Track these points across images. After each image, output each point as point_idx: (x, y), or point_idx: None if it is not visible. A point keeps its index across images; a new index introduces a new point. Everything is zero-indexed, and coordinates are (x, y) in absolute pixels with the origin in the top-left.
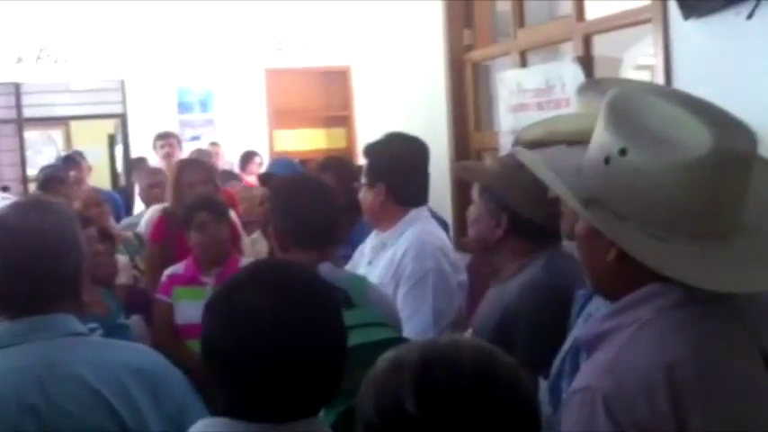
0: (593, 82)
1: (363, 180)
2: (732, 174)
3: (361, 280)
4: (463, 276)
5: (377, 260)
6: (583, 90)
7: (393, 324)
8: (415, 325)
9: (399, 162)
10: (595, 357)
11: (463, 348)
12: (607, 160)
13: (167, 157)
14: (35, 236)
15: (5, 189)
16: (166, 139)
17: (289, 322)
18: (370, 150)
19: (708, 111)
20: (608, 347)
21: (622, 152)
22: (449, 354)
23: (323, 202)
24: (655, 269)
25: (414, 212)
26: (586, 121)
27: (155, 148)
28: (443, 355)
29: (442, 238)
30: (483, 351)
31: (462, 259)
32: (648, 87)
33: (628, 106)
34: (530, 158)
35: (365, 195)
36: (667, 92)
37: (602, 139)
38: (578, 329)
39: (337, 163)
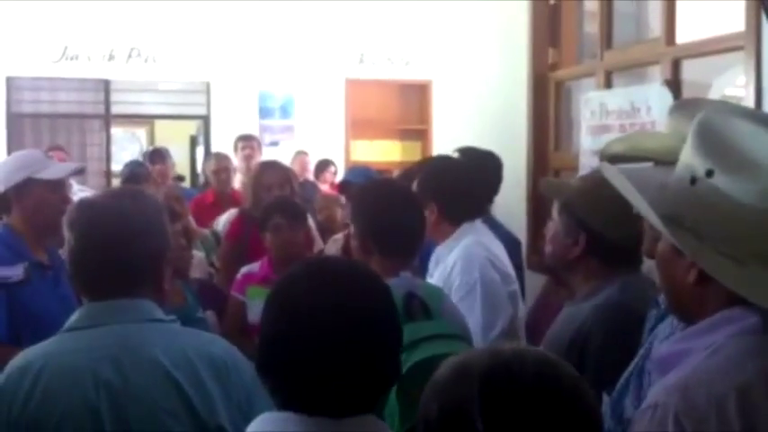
0: (685, 102)
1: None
2: None
3: (438, 290)
4: (515, 287)
5: (434, 275)
6: (674, 110)
7: (467, 337)
8: None
9: (445, 182)
10: (669, 377)
11: (528, 360)
12: (693, 180)
13: (247, 158)
14: (119, 220)
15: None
16: (248, 141)
17: (334, 314)
18: (420, 172)
19: None
20: (682, 368)
21: (709, 173)
22: (513, 366)
23: (410, 209)
24: (734, 291)
25: (465, 226)
26: (669, 139)
27: (236, 149)
28: (508, 369)
29: (492, 249)
30: (547, 364)
31: (538, 279)
32: (740, 111)
33: (717, 128)
34: (612, 173)
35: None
36: (759, 116)
37: (689, 158)
38: (646, 350)
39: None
